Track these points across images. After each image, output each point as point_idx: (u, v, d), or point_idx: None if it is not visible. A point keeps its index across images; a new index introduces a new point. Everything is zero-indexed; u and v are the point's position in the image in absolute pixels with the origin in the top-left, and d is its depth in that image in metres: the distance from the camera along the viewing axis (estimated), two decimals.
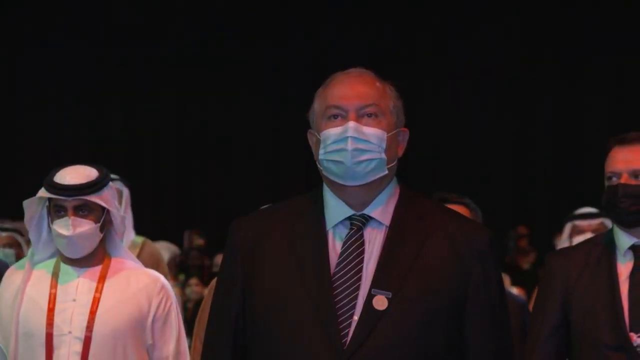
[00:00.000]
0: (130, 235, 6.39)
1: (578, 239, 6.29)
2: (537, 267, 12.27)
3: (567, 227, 6.74)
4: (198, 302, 9.08)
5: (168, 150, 16.50)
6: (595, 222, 6.65)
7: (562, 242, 6.73)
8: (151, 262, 6.02)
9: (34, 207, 4.55)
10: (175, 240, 13.38)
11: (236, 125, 16.12)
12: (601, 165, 4.14)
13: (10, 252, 6.74)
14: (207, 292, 5.55)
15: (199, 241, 13.56)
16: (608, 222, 6.40)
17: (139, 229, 6.75)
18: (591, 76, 15.97)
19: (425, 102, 14.05)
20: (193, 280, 11.41)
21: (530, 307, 4.95)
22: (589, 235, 6.13)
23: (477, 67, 15.80)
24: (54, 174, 4.54)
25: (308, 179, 3.47)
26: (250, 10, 16.09)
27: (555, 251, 4.98)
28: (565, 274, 4.15)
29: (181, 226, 14.50)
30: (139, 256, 5.19)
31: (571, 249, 4.60)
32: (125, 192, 6.41)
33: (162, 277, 4.74)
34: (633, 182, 4.05)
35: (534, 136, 16.36)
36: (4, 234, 7.00)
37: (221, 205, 15.20)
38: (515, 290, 6.63)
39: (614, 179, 4.09)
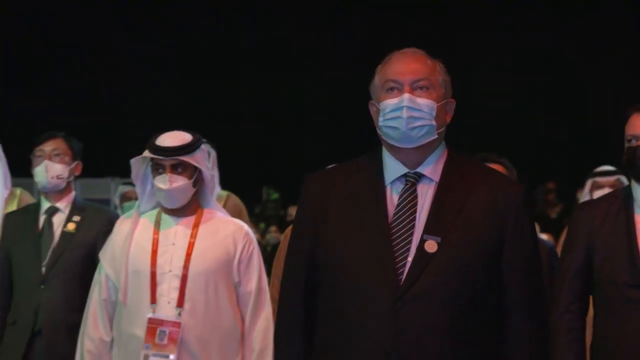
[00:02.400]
0: (216, 190, 6.44)
1: (597, 193, 6.29)
2: (562, 216, 12.19)
3: (588, 183, 6.74)
4: (275, 246, 9.13)
5: (249, 117, 16.56)
6: (612, 178, 6.64)
7: (584, 195, 6.73)
8: (234, 212, 6.06)
9: (138, 165, 4.61)
10: (255, 194, 13.42)
11: (310, 96, 16.17)
12: (620, 129, 4.12)
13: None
14: (283, 237, 5.58)
15: (275, 195, 13.59)
16: (623, 179, 6.39)
17: (224, 184, 6.78)
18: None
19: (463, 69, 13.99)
20: (272, 228, 11.44)
21: (558, 250, 4.95)
22: (607, 190, 6.10)
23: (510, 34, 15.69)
24: (156, 138, 4.59)
25: (369, 142, 3.48)
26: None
27: (582, 203, 4.96)
28: (589, 222, 4.14)
29: (260, 182, 14.55)
30: (224, 207, 5.22)
31: (595, 201, 4.58)
32: (213, 153, 6.44)
33: (245, 225, 4.78)
34: None
35: (561, 107, 16.22)
36: (131, 187, 7.10)
37: (294, 164, 15.22)
38: (544, 236, 6.60)
39: (633, 141, 4.08)
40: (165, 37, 16.26)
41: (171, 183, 4.54)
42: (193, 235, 4.58)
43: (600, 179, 6.68)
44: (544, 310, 3.36)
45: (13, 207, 6.13)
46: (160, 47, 16.25)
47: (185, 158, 4.55)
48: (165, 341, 4.45)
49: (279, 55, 16.41)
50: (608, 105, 15.44)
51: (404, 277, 3.18)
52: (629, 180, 4.19)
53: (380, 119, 3.28)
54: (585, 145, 15.52)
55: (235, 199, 6.77)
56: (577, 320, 4.11)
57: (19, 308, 5.41)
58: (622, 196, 4.17)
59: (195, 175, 4.60)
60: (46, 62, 16.20)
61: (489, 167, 3.54)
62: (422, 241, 3.21)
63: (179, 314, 4.47)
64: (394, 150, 3.31)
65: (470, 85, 14.56)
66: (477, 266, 3.21)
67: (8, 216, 5.79)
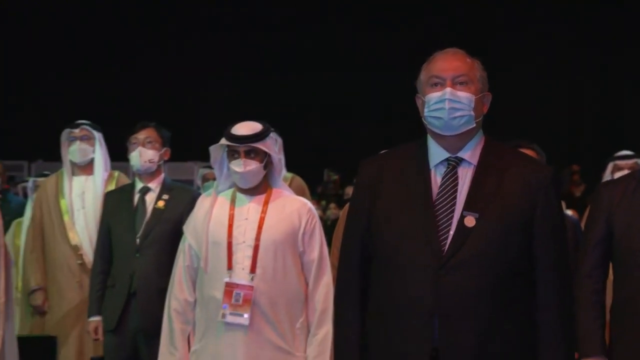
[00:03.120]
0: (283, 172, 6.43)
1: (617, 174, 6.21)
2: (586, 195, 12.08)
3: (609, 166, 6.66)
4: (334, 221, 9.13)
5: (313, 109, 16.57)
6: (631, 161, 6.57)
7: (606, 176, 6.65)
8: (298, 191, 6.03)
9: (217, 151, 4.60)
10: (317, 175, 13.43)
11: (365, 91, 16.16)
12: (638, 116, 4.05)
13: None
14: (342, 213, 5.57)
15: (335, 176, 13.59)
16: None
17: (289, 167, 6.77)
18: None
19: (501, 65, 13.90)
20: (331, 205, 11.45)
21: (581, 224, 4.89)
22: (626, 171, 6.02)
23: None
24: (231, 127, 4.57)
25: (416, 131, 3.44)
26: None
27: (603, 182, 4.90)
28: (610, 199, 4.09)
29: (321, 165, 14.55)
30: (289, 187, 5.21)
31: (615, 180, 4.53)
32: (279, 140, 6.43)
33: (309, 202, 4.75)
34: None
35: (585, 93, 16.07)
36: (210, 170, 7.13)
37: (351, 150, 15.20)
38: (569, 212, 6.52)
39: None
40: (239, 38, 16.29)
41: (245, 167, 4.53)
42: (263, 211, 4.56)
43: (620, 162, 6.61)
44: (569, 275, 3.31)
45: (112, 186, 6.18)
46: (237, 47, 16.28)
47: (257, 145, 4.53)
48: (240, 302, 4.45)
49: (336, 56, 16.40)
50: (624, 98, 15.27)
51: (446, 248, 3.15)
52: None
53: (426, 110, 3.25)
54: (606, 132, 15.36)
55: (299, 180, 6.75)
56: (598, 284, 4.07)
57: (118, 273, 5.45)
58: (639, 176, 4.11)
59: (265, 159, 4.58)
60: (134, 61, 16.31)
61: (521, 152, 3.52)
62: (462, 217, 3.18)
63: (252, 279, 4.46)
64: (437, 137, 3.27)
65: (507, 82, 14.51)
66: (510, 238, 3.17)
67: (108, 195, 5.83)
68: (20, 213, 7.11)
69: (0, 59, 15.87)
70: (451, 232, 3.17)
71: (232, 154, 4.55)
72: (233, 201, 4.60)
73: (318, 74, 16.34)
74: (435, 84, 3.25)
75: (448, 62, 3.27)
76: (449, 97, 3.21)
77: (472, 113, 3.23)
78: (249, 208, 4.58)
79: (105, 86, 15.94)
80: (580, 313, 3.96)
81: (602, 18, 15.61)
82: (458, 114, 3.22)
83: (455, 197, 3.22)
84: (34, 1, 16.23)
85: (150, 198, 5.59)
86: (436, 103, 3.22)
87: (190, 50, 16.47)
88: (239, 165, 4.52)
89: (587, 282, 4.04)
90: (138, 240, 5.44)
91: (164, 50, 16.37)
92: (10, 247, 6.55)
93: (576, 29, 15.75)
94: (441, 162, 3.27)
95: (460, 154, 3.26)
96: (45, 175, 7.09)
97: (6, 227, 6.49)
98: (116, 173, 6.35)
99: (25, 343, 3.56)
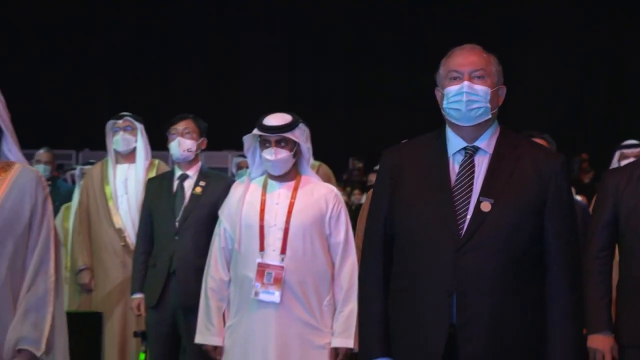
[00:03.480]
0: (310, 160, 6.41)
1: (624, 162, 6.16)
2: (594, 181, 12.00)
3: (616, 154, 6.62)
4: (359, 206, 9.10)
5: (339, 102, 16.55)
6: (636, 150, 6.52)
7: (613, 164, 6.61)
8: (325, 178, 6.02)
9: (250, 141, 4.60)
10: (342, 163, 13.41)
11: (386, 85, 16.11)
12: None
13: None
14: (365, 199, 5.57)
15: (359, 164, 13.57)
16: None
17: (316, 156, 6.75)
18: None
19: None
20: (356, 191, 11.42)
21: (590, 209, 4.86)
22: (631, 159, 6.00)
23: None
24: (263, 118, 4.57)
25: (435, 122, 3.42)
26: None
27: (610, 169, 4.87)
28: (616, 184, 4.07)
29: (346, 154, 14.53)
30: (316, 174, 5.20)
31: (620, 168, 4.51)
32: (307, 130, 6.43)
33: (335, 188, 4.75)
34: None
35: (594, 87, 15.95)
36: (243, 159, 7.13)
37: (374, 140, 15.18)
38: (578, 198, 6.49)
39: None
40: (267, 36, 16.27)
41: (276, 155, 4.52)
42: (293, 197, 4.56)
43: (626, 151, 6.57)
44: (578, 256, 3.29)
45: (152, 174, 6.19)
46: (266, 45, 16.26)
47: (287, 134, 4.53)
48: (272, 281, 4.45)
49: (359, 53, 16.34)
50: (631, 90, 15.14)
51: (463, 231, 3.13)
52: None
53: (445, 102, 3.23)
54: (614, 123, 15.26)
55: (325, 168, 6.73)
56: (605, 264, 4.07)
57: (158, 254, 5.46)
58: None
59: (294, 148, 4.57)
60: (176, 59, 16.34)
61: (534, 141, 3.49)
62: (478, 202, 3.16)
63: (282, 260, 4.46)
64: (455, 127, 3.26)
65: (522, 73, 14.44)
66: (523, 222, 3.15)
67: (149, 181, 5.84)
68: (68, 198, 7.14)
69: (56, 60, 15.95)
70: (468, 216, 3.15)
71: (264, 143, 4.54)
72: (265, 187, 4.60)
73: (349, 66, 16.32)
74: (454, 78, 3.23)
75: (466, 57, 3.25)
76: (467, 90, 3.19)
77: (488, 105, 3.21)
78: (280, 194, 4.57)
79: (148, 81, 16.00)
80: (588, 291, 3.95)
81: (609, 4, 15.44)
82: (475, 105, 3.20)
83: (472, 184, 3.20)
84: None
85: (188, 184, 5.60)
86: (455, 95, 3.21)
87: (225, 49, 16.48)
88: (271, 154, 4.52)
89: (595, 263, 4.04)
90: (177, 224, 5.45)
91: (207, 50, 16.40)
92: (60, 230, 6.60)
93: (584, 18, 15.61)
94: (459, 151, 3.25)
95: (477, 143, 3.24)
96: (92, 164, 7.12)
97: (55, 212, 6.52)
98: (156, 161, 6.36)
99: (73, 319, 3.57)
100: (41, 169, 8.00)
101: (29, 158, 5.55)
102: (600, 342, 4.01)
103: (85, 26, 16.21)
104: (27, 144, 4.41)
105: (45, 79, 15.80)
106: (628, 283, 4.02)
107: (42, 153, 8.51)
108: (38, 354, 3.24)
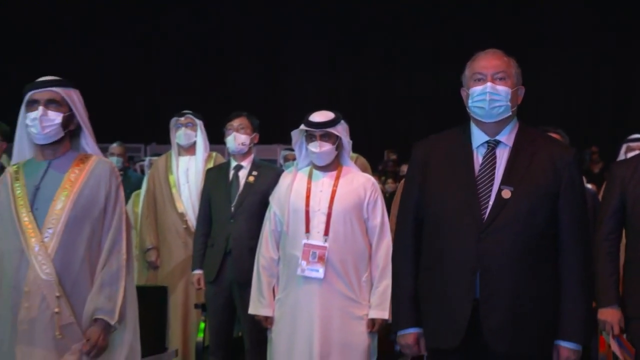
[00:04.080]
0: (350, 152, 6.39)
1: (630, 155, 6.08)
2: (603, 171, 11.86)
3: (623, 147, 6.51)
4: (392, 194, 9.08)
5: (373, 100, 16.50)
6: None
7: (620, 156, 6.50)
8: (362, 168, 5.99)
9: (297, 135, 4.61)
10: (378, 155, 13.37)
11: (418, 84, 16.04)
12: None
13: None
14: (398, 187, 5.53)
15: (393, 156, 13.51)
16: None
17: (355, 148, 6.73)
18: None
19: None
20: (389, 180, 11.38)
21: (600, 197, 4.81)
22: (637, 152, 5.91)
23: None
24: (309, 115, 4.58)
25: (461, 118, 3.41)
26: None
27: (616, 161, 4.83)
28: (622, 175, 4.03)
29: (382, 147, 14.49)
30: (355, 164, 5.19)
31: (627, 159, 4.45)
32: (347, 126, 6.42)
33: (372, 178, 4.74)
34: None
35: (602, 83, 15.74)
36: (291, 152, 7.13)
37: (407, 134, 15.13)
38: (589, 186, 6.41)
39: None
40: (310, 41, 16.23)
41: (320, 148, 4.53)
42: (335, 185, 4.55)
43: (632, 144, 6.46)
44: (589, 239, 3.28)
45: (210, 165, 6.22)
46: (310, 48, 16.24)
47: (330, 129, 4.53)
48: (316, 259, 4.45)
49: (393, 57, 16.25)
50: (630, 90, 14.92)
51: (486, 216, 3.13)
52: None
53: (470, 101, 3.23)
54: (621, 118, 15.07)
55: (363, 159, 6.72)
56: (613, 246, 4.04)
57: (216, 235, 5.48)
58: None
59: (337, 142, 4.57)
60: (231, 62, 16.38)
61: (549, 135, 3.47)
62: (499, 190, 3.15)
63: (325, 241, 4.46)
64: (479, 123, 3.25)
65: (539, 74, 14.29)
66: (540, 208, 3.15)
67: (208, 171, 5.86)
68: (138, 186, 7.20)
69: (122, 61, 16.08)
70: (490, 203, 3.14)
71: (310, 137, 4.55)
72: (310, 176, 4.60)
73: (384, 69, 16.25)
74: (478, 79, 3.23)
75: (488, 61, 3.24)
76: (490, 91, 3.19)
77: (509, 103, 3.21)
78: (323, 182, 4.58)
79: (209, 82, 16.08)
80: (598, 269, 3.93)
81: (619, 11, 15.21)
82: (497, 104, 3.20)
83: (493, 174, 3.19)
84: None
85: (242, 174, 5.61)
86: (479, 95, 3.21)
87: (275, 56, 16.51)
88: (316, 147, 4.53)
89: (604, 245, 4.00)
90: (233, 209, 5.46)
91: (257, 52, 16.43)
92: (130, 214, 6.66)
93: (596, 24, 15.39)
94: (482, 144, 3.25)
95: (498, 137, 3.24)
96: (158, 155, 7.16)
97: (127, 198, 6.58)
98: (214, 153, 6.39)
99: (142, 292, 3.60)
100: (114, 161, 8.08)
101: (104, 151, 5.59)
102: (609, 314, 3.98)
103: (154, 34, 16.31)
104: (103, 139, 4.46)
105: (121, 83, 15.96)
106: (634, 263, 3.99)
107: (115, 146, 8.61)
108: (112, 322, 3.29)
